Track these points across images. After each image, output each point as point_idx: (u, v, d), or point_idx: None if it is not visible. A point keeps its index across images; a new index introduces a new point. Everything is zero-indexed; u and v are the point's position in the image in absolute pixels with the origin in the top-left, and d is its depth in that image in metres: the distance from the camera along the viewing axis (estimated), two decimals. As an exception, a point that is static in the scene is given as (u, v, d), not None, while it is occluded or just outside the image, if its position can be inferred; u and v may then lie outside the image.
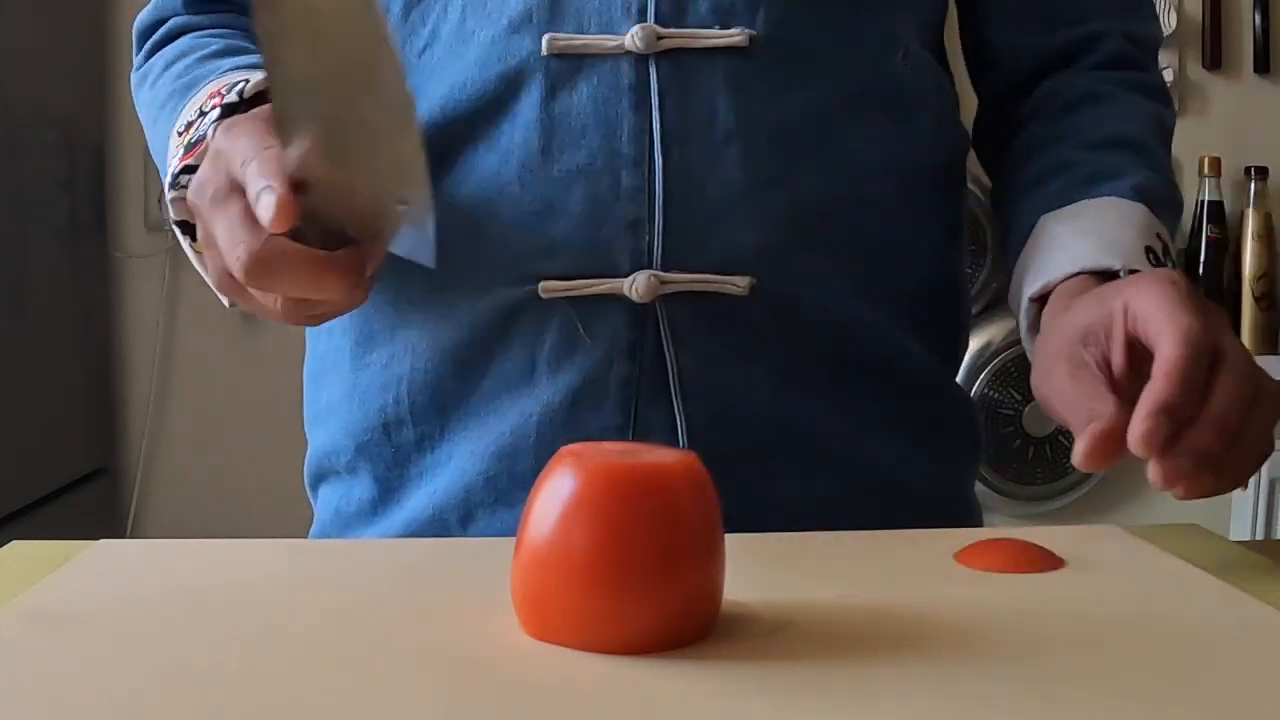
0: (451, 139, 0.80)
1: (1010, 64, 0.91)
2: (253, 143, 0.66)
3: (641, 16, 0.77)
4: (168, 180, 0.77)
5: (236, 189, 0.66)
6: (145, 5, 0.93)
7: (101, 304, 2.32)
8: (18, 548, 0.69)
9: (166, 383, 2.34)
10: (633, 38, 0.77)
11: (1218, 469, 0.64)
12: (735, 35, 0.78)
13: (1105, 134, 0.85)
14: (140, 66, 0.90)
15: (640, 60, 0.77)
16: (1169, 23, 2.39)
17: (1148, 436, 0.63)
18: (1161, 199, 0.82)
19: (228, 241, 0.65)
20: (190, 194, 0.69)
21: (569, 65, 0.78)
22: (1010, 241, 0.84)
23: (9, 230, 1.91)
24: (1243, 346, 0.68)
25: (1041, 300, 0.78)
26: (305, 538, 0.91)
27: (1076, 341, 0.70)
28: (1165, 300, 0.68)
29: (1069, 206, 0.81)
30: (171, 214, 0.77)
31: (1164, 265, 0.77)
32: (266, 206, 0.62)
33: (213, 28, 0.89)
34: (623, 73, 0.77)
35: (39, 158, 2.05)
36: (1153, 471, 0.63)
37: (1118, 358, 0.68)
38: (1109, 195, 0.80)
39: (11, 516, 1.87)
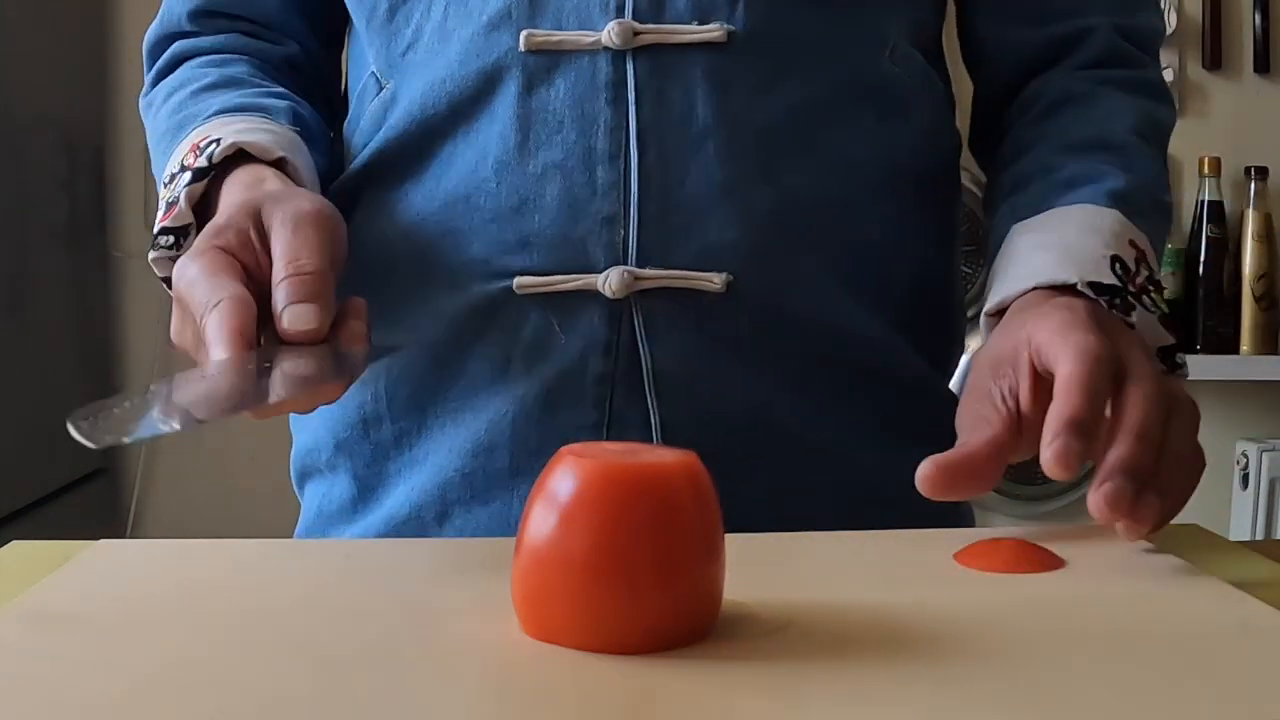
0: (430, 136, 0.80)
1: (1002, 60, 0.90)
2: (206, 292, 0.66)
3: (619, 13, 0.77)
4: (152, 234, 0.77)
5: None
6: (145, 5, 0.93)
7: (101, 304, 2.32)
8: (18, 548, 0.69)
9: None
10: (610, 34, 0.77)
11: (1160, 491, 0.63)
12: (713, 31, 0.77)
13: (1085, 136, 0.83)
14: (147, 93, 0.90)
15: (618, 56, 0.77)
16: (1169, 23, 2.39)
17: (1060, 454, 0.62)
18: (1141, 202, 0.79)
19: None
20: (174, 338, 0.70)
21: (546, 61, 0.77)
22: (989, 252, 0.83)
23: (9, 230, 1.91)
24: (1151, 361, 0.67)
25: (1000, 315, 0.76)
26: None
27: (987, 375, 0.69)
28: (1060, 325, 0.67)
29: (1038, 216, 0.79)
30: (156, 271, 0.77)
31: (1134, 275, 0.74)
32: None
33: (213, 51, 0.89)
34: (600, 69, 0.77)
35: (39, 158, 2.05)
36: (1091, 499, 0.62)
37: (1024, 390, 0.68)
38: (1081, 202, 0.78)
39: (11, 516, 1.88)
